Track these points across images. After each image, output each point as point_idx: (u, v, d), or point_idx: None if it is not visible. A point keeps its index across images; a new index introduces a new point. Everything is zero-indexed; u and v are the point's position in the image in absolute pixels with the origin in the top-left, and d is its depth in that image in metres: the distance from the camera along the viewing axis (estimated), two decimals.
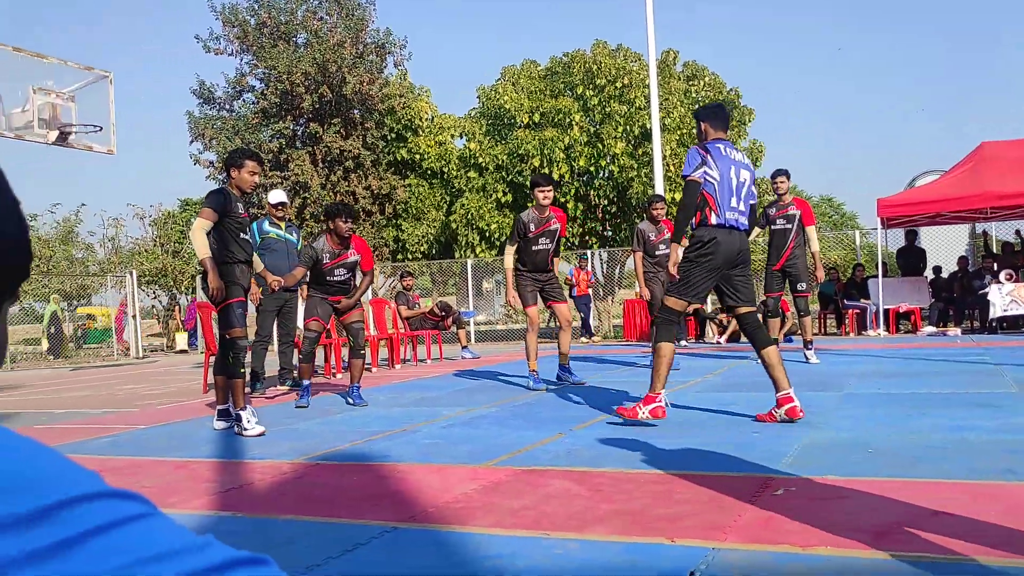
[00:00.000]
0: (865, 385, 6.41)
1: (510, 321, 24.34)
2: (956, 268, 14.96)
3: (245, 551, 0.49)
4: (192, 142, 19.17)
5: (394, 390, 7.72)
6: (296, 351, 9.01)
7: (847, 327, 14.14)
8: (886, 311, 13.54)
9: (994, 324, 12.76)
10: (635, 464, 3.82)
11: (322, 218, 18.11)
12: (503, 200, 18.39)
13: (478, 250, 18.37)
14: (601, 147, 17.89)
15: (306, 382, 6.78)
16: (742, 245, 4.96)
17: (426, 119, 20.09)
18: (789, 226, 8.44)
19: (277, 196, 8.33)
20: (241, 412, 5.31)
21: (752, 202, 5.09)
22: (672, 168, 17.61)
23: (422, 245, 19.50)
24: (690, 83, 19.66)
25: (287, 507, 3.36)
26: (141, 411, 7.21)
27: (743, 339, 13.42)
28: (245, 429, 5.26)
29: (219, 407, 5.73)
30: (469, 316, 13.93)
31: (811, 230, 8.49)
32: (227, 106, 19.82)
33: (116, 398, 8.74)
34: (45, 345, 20.20)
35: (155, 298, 23.38)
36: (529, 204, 7.31)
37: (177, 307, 21.80)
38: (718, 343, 13.11)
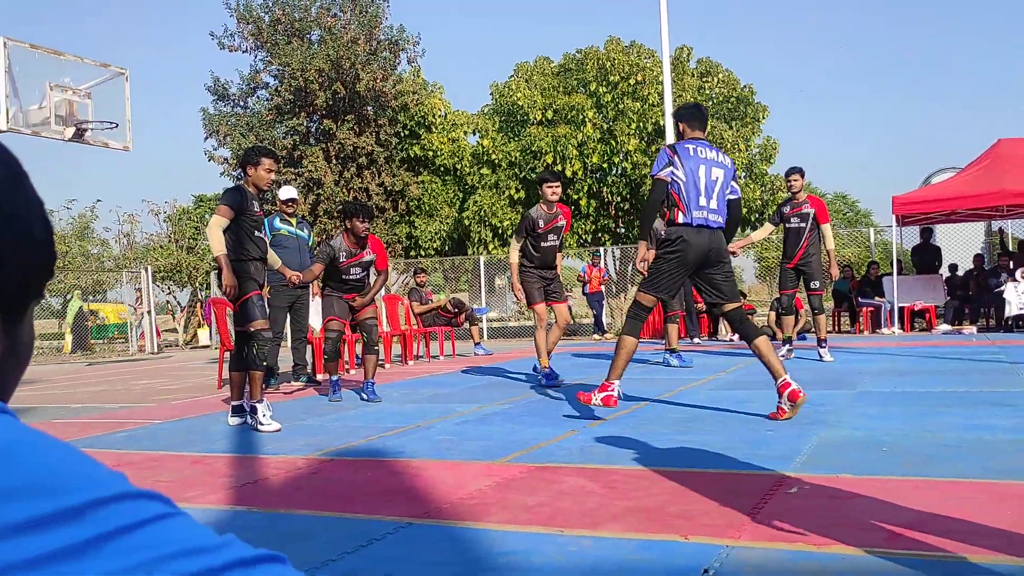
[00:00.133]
0: (879, 383, 6.39)
1: (523, 318, 24.35)
2: (972, 266, 14.86)
3: (263, 549, 0.50)
4: (206, 138, 19.27)
5: (407, 386, 7.75)
6: (309, 347, 9.07)
7: (861, 325, 14.07)
8: (901, 309, 13.47)
9: (1010, 322, 12.67)
10: (649, 461, 3.83)
11: (335, 213, 18.20)
12: (516, 197, 18.39)
13: (491, 247, 18.38)
14: (614, 144, 17.86)
15: (335, 378, 6.93)
16: (713, 243, 5.00)
17: (439, 116, 20.10)
18: (803, 224, 8.42)
19: (287, 192, 8.37)
20: (257, 404, 5.35)
21: (732, 197, 5.12)
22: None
23: (435, 242, 19.53)
24: (704, 80, 19.60)
25: (302, 502, 3.38)
26: (157, 406, 7.27)
27: None
28: (261, 423, 5.29)
29: (233, 403, 5.77)
30: (482, 313, 13.96)
31: (826, 228, 8.46)
32: (241, 103, 19.90)
33: (132, 393, 8.82)
34: (69, 339, 20.33)
35: (170, 293, 23.52)
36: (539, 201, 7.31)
37: (199, 303, 21.93)
38: (731, 340, 13.08)
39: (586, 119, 17.99)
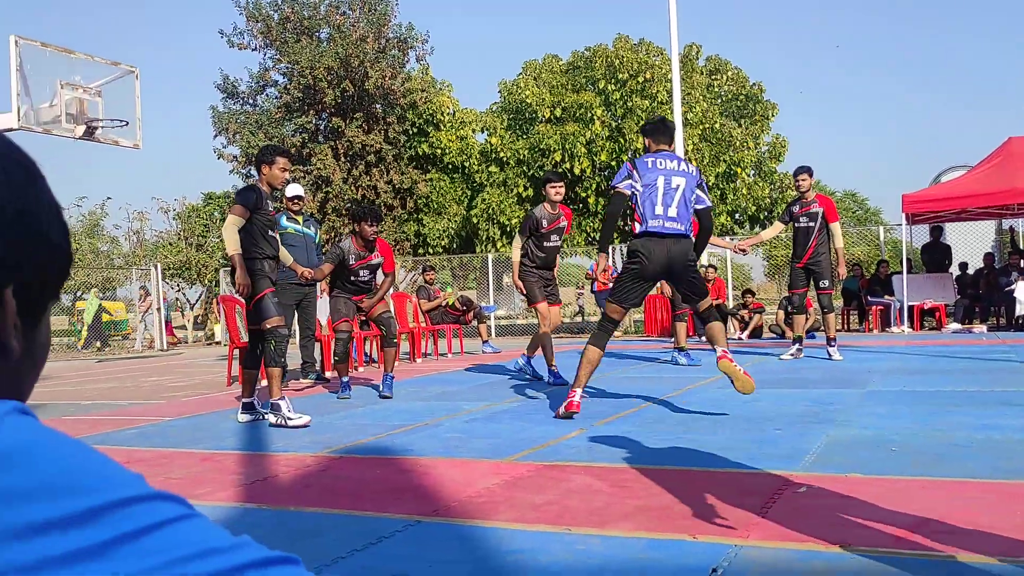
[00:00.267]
0: (889, 382, 6.37)
1: (531, 316, 24.34)
2: (982, 265, 14.79)
3: (278, 551, 0.51)
4: (216, 136, 19.34)
5: (415, 384, 7.77)
6: (317, 344, 9.10)
7: (870, 324, 14.03)
8: (910, 308, 13.42)
9: (1020, 321, 12.61)
10: (657, 460, 3.83)
11: (344, 211, 18.23)
12: (524, 195, 18.40)
13: (499, 245, 18.40)
14: (623, 142, 17.84)
15: (345, 379, 6.99)
16: (673, 249, 5.07)
17: (448, 114, 20.12)
18: (812, 223, 8.41)
19: (293, 190, 8.39)
20: (280, 402, 5.36)
21: (700, 207, 5.23)
22: (694, 163, 17.51)
23: (443, 239, 19.55)
24: (713, 77, 19.56)
25: (311, 500, 3.40)
26: (167, 403, 7.31)
27: (765, 335, 13.37)
28: (290, 419, 5.30)
29: (244, 400, 5.79)
30: (490, 311, 13.98)
31: (835, 226, 8.44)
32: (250, 101, 19.96)
33: (142, 390, 8.86)
34: (84, 335, 20.39)
35: (179, 291, 23.62)
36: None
37: (215, 300, 22.01)
38: (740, 339, 13.06)
39: (595, 117, 17.98)
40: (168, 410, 6.74)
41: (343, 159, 18.96)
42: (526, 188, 18.41)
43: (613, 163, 18.04)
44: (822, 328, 9.22)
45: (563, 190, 7.25)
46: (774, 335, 13.09)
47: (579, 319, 25.51)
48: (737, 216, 19.31)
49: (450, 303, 12.43)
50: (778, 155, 19.41)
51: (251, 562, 0.49)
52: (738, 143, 18.18)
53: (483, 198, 18.72)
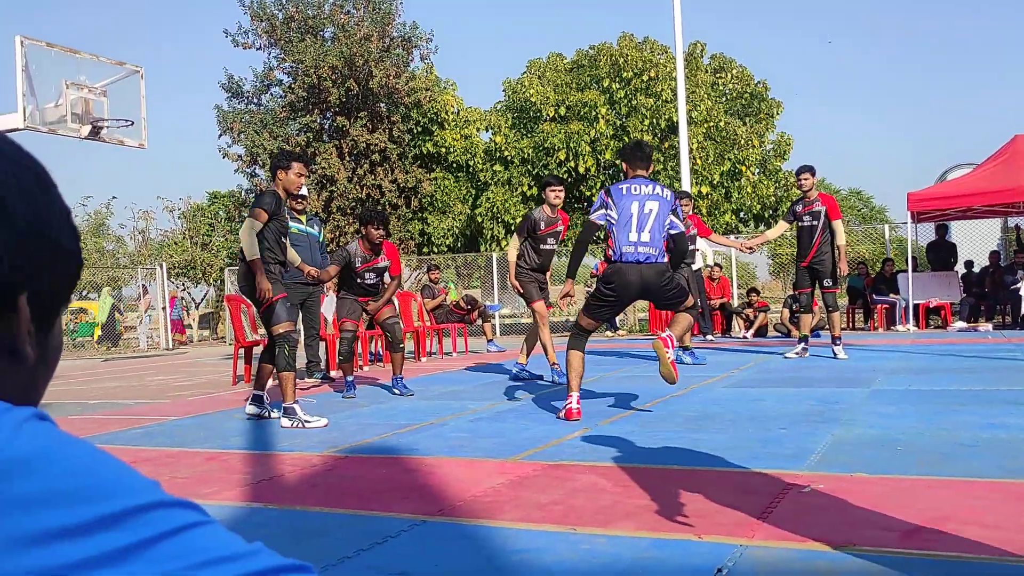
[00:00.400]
0: (894, 381, 6.36)
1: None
2: (988, 263, 14.75)
3: (292, 559, 0.51)
4: (221, 135, 19.38)
5: (420, 383, 7.77)
6: (322, 343, 9.11)
7: (876, 322, 14.00)
8: (916, 306, 13.39)
9: None
10: (662, 459, 3.83)
11: (348, 210, 18.25)
12: (528, 193, 18.41)
13: (503, 244, 18.40)
14: (627, 140, 17.83)
15: (349, 378, 7.01)
16: (645, 276, 5.11)
17: (452, 112, 20.13)
18: (815, 222, 8.42)
19: None
20: (295, 406, 5.38)
21: (673, 232, 5.29)
22: (699, 161, 17.52)
23: (447, 238, 19.57)
24: (717, 76, 19.54)
25: (317, 499, 3.41)
26: (172, 403, 7.33)
27: (770, 334, 13.35)
28: (307, 422, 5.32)
29: (255, 392, 5.87)
30: (494, 309, 14.00)
31: (837, 224, 8.44)
32: (255, 100, 19.99)
33: (147, 389, 8.88)
34: (97, 335, 20.41)
35: (184, 290, 23.67)
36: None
37: (225, 298, 22.03)
38: (745, 337, 13.05)
39: (599, 115, 17.97)
40: (174, 409, 6.76)
41: (347, 158, 18.98)
42: (530, 187, 18.42)
43: (617, 162, 18.03)
44: (827, 327, 9.21)
45: (563, 194, 7.30)
46: (779, 334, 13.08)
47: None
48: (742, 215, 19.29)
49: (452, 298, 12.45)
50: (783, 153, 19.38)
51: (265, 569, 0.49)
52: (743, 141, 18.16)
53: (487, 197, 18.73)
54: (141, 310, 20.53)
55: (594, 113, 18.03)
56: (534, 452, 4.15)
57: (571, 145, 17.81)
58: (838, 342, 8.52)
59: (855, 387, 6.09)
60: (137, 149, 10.51)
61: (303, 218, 8.41)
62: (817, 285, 8.66)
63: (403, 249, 18.93)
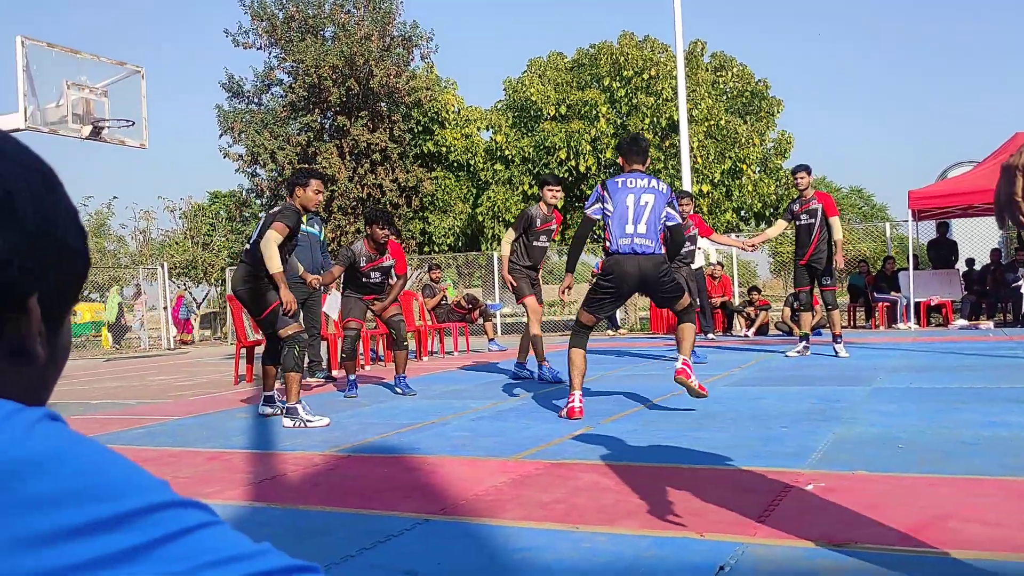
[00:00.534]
0: (895, 379, 6.36)
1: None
2: (989, 261, 14.74)
3: (299, 560, 0.52)
4: (221, 135, 19.37)
5: (422, 383, 7.78)
6: (324, 343, 9.12)
7: (877, 320, 14.00)
8: (917, 304, 13.39)
9: None
10: (663, 458, 3.83)
11: (349, 209, 18.25)
12: (529, 192, 18.41)
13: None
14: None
15: (351, 377, 7.03)
16: (643, 267, 5.14)
17: (452, 112, 20.12)
18: (813, 220, 8.49)
19: None
20: (297, 406, 5.41)
21: (670, 224, 5.31)
22: (699, 160, 17.51)
23: (448, 238, 19.57)
24: (718, 74, 19.53)
25: (320, 498, 3.41)
26: (174, 402, 7.33)
27: (771, 332, 13.35)
28: (309, 421, 5.35)
29: (265, 393, 5.97)
30: (495, 309, 14.00)
31: (834, 220, 8.50)
32: (256, 100, 19.99)
33: (149, 389, 8.89)
34: (107, 336, 20.38)
35: (185, 289, 23.69)
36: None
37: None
38: (746, 336, 13.05)
39: (600, 114, 17.96)
40: (175, 409, 6.76)
41: (348, 158, 18.98)
42: (531, 186, 18.42)
43: (618, 160, 18.05)
44: (828, 325, 9.22)
45: (560, 195, 7.37)
46: (780, 332, 13.08)
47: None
48: (743, 213, 19.29)
49: (450, 295, 12.45)
50: (784, 152, 19.37)
51: (273, 569, 0.50)
52: (743, 140, 18.15)
53: (488, 196, 18.74)
54: (137, 310, 20.48)
55: (595, 112, 18.03)
56: (536, 451, 4.16)
57: (572, 144, 17.81)
58: (839, 340, 8.53)
59: (856, 385, 6.09)
60: (138, 149, 10.51)
61: (303, 217, 8.43)
62: (816, 283, 8.69)
63: (404, 248, 18.93)
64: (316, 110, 19.06)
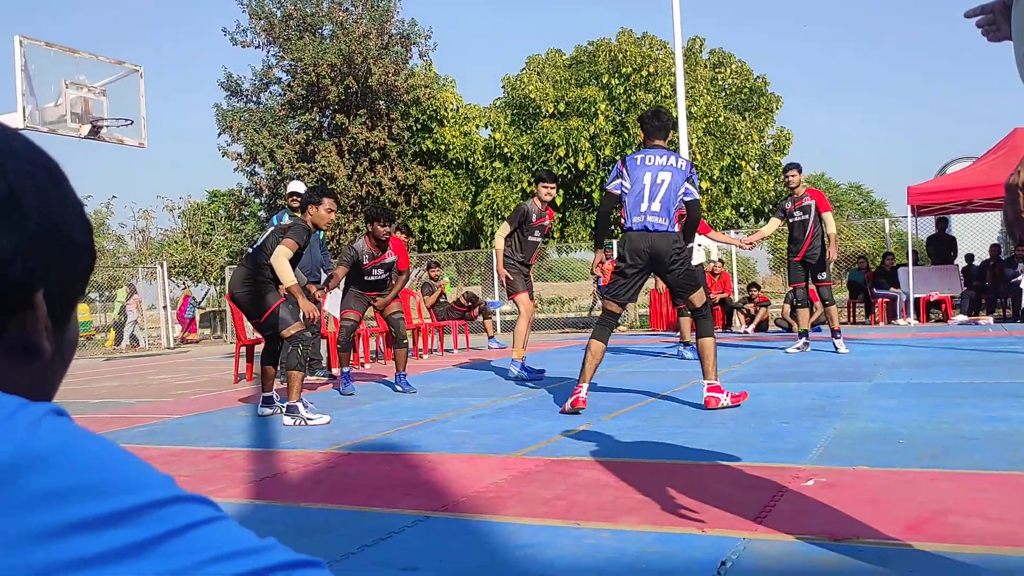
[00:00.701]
0: (895, 375, 6.37)
1: (536, 311, 24.25)
2: (988, 256, 14.75)
3: (304, 554, 0.52)
4: (220, 134, 19.37)
5: (421, 380, 7.78)
6: (324, 341, 9.12)
7: (876, 316, 14.01)
8: (916, 300, 13.40)
9: None
10: (664, 454, 3.84)
11: (348, 208, 18.24)
12: (528, 190, 18.40)
13: None
14: (627, 136, 17.82)
15: (346, 369, 7.02)
16: (656, 244, 5.14)
17: (451, 109, 20.12)
18: (806, 217, 8.55)
19: (294, 186, 8.43)
20: (297, 404, 5.43)
21: (688, 199, 5.28)
22: (698, 156, 17.49)
23: (448, 235, 19.57)
24: (716, 71, 19.52)
25: (320, 496, 3.41)
26: (175, 401, 7.34)
27: (771, 328, 13.36)
28: (310, 420, 5.36)
29: (264, 394, 5.97)
30: (495, 306, 13.98)
31: (827, 215, 8.59)
32: (254, 98, 19.99)
33: (149, 388, 8.89)
34: (112, 335, 20.37)
35: (185, 288, 23.69)
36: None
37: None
38: (746, 332, 13.05)
39: (598, 111, 17.96)
40: (176, 408, 6.77)
41: (347, 156, 18.97)
42: (530, 183, 18.41)
43: (617, 158, 18.01)
44: (826, 322, 9.23)
45: (555, 192, 7.39)
46: (780, 329, 13.08)
47: (585, 314, 25.51)
48: (742, 210, 19.29)
49: (447, 291, 12.45)
50: (782, 148, 19.37)
51: (278, 564, 0.50)
52: (742, 136, 18.15)
53: (487, 194, 18.73)
54: (129, 310, 20.43)
55: (593, 109, 18.02)
56: (536, 448, 4.16)
57: (570, 141, 17.80)
58: (838, 335, 8.56)
59: (856, 381, 6.09)
60: (137, 148, 10.50)
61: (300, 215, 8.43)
62: (811, 279, 8.74)
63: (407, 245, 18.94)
64: (315, 108, 19.05)
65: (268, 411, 5.92)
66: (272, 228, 5.87)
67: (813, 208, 8.54)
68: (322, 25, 19.20)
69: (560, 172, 17.92)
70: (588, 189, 18.26)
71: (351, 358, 7.18)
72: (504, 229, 7.34)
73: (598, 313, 20.28)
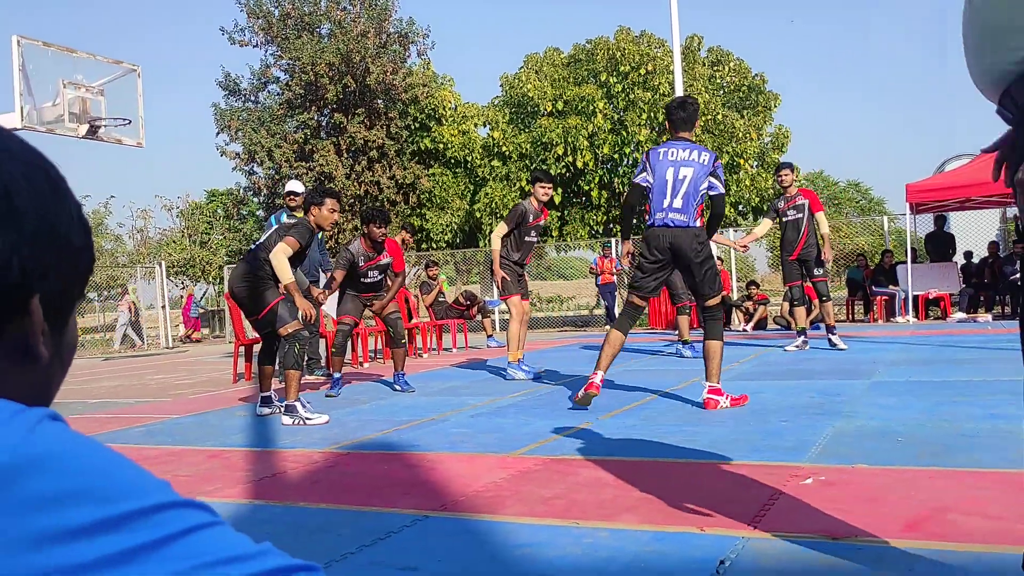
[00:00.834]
0: (894, 373, 6.37)
1: (534, 310, 24.34)
2: (987, 253, 14.75)
3: (299, 559, 0.52)
4: (218, 134, 19.35)
5: (420, 379, 7.78)
6: (322, 340, 9.12)
7: (875, 314, 14.01)
8: (915, 297, 13.40)
9: None
10: (663, 453, 3.84)
11: (346, 207, 18.23)
12: (527, 189, 18.39)
13: None
14: (625, 134, 17.82)
15: (337, 374, 6.96)
16: (675, 241, 5.15)
17: (449, 108, 20.10)
18: (800, 216, 8.63)
19: (292, 185, 8.43)
20: (296, 403, 5.42)
21: (712, 193, 5.26)
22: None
23: (446, 234, 19.56)
24: (715, 69, 19.51)
25: (319, 495, 3.41)
26: (173, 401, 7.33)
27: (770, 327, 13.36)
28: (308, 419, 5.36)
29: (263, 394, 5.96)
30: (494, 305, 13.99)
31: (820, 215, 8.68)
32: (252, 98, 19.97)
33: (148, 388, 8.89)
34: (120, 334, 20.32)
35: (184, 288, 23.69)
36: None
37: None
38: (744, 330, 13.05)
39: (597, 110, 17.95)
40: (175, 408, 6.76)
41: (345, 155, 18.96)
42: (529, 182, 18.42)
43: (615, 156, 18.02)
44: (822, 317, 9.24)
45: (551, 192, 7.38)
46: (779, 327, 13.09)
47: (585, 313, 25.53)
48: (740, 208, 19.29)
49: (444, 288, 12.46)
50: (781, 146, 19.37)
51: (274, 569, 0.50)
52: (741, 134, 18.15)
53: (486, 192, 18.72)
54: (120, 310, 20.38)
55: (592, 107, 18.01)
56: (535, 447, 4.16)
57: (569, 140, 17.79)
58: (834, 331, 8.63)
59: (855, 379, 6.09)
60: (135, 148, 10.49)
61: (299, 214, 8.42)
62: (807, 276, 8.78)
63: (404, 246, 18.92)
64: (313, 107, 19.03)
65: (267, 411, 5.92)
66: (276, 226, 5.86)
67: (806, 207, 8.60)
68: (320, 24, 19.18)
69: (558, 170, 17.92)
70: (586, 187, 18.25)
71: (342, 362, 7.13)
72: (501, 229, 7.32)
73: (599, 312, 20.18)
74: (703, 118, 17.83)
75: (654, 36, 19.26)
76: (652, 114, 17.72)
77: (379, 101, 19.21)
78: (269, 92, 19.92)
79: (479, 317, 12.68)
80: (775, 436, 4.07)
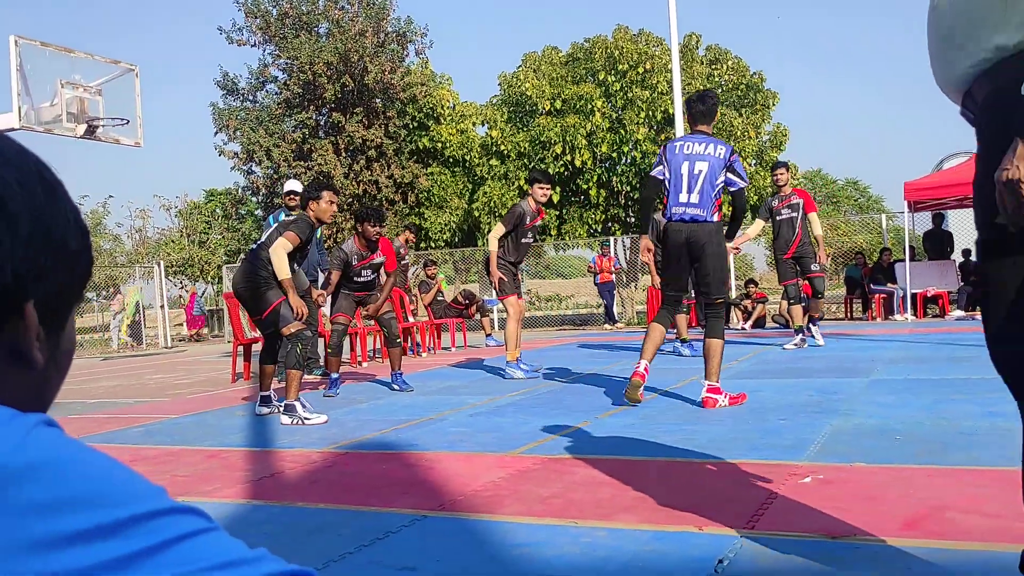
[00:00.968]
0: (892, 371, 6.37)
1: (533, 308, 24.37)
2: None
3: (295, 565, 0.52)
4: (216, 133, 19.34)
5: (419, 379, 7.78)
6: (320, 340, 9.11)
7: (874, 312, 14.02)
8: (913, 295, 13.41)
9: None
10: (661, 452, 3.84)
11: (344, 206, 18.22)
12: (525, 188, 18.38)
13: None
14: (623, 133, 17.81)
15: (334, 375, 6.94)
16: (690, 236, 5.18)
17: (448, 107, 20.09)
18: (795, 214, 8.70)
19: (290, 185, 8.43)
20: (295, 403, 5.43)
21: (733, 189, 5.26)
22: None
23: (444, 233, 19.55)
24: (713, 67, 19.50)
25: (318, 495, 3.41)
26: (172, 401, 7.33)
27: (768, 325, 13.36)
28: (307, 419, 5.37)
29: (262, 393, 5.98)
30: (492, 304, 13.99)
31: (813, 216, 8.75)
32: (250, 97, 19.96)
33: (147, 388, 8.88)
34: (125, 332, 20.27)
35: (182, 287, 23.68)
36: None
37: None
38: (743, 329, 13.06)
39: (595, 108, 17.94)
40: (173, 407, 6.76)
41: (344, 154, 18.96)
42: (527, 182, 18.41)
43: (614, 155, 18.01)
44: (821, 316, 9.27)
45: (549, 192, 7.40)
46: (777, 325, 13.09)
47: (583, 311, 25.54)
48: None
49: (443, 288, 12.46)
50: (779, 144, 19.37)
51: (269, 575, 0.50)
52: (739, 133, 18.14)
53: (484, 191, 18.71)
54: (113, 309, 20.36)
55: (590, 106, 18.00)
56: (533, 446, 4.16)
57: (567, 139, 17.78)
58: (815, 323, 8.86)
59: (854, 377, 6.10)
60: (133, 148, 10.48)
61: (297, 213, 8.41)
62: (802, 274, 8.81)
63: (408, 245, 18.90)
64: (311, 107, 19.02)
65: (266, 410, 5.92)
66: (276, 224, 5.86)
67: (801, 206, 8.66)
68: (318, 23, 19.17)
69: (557, 169, 17.91)
70: (585, 186, 18.24)
71: (339, 362, 7.10)
72: (499, 230, 7.32)
73: (599, 311, 20.17)
74: None
75: (652, 35, 19.26)
76: (650, 113, 17.71)
77: (377, 100, 19.21)
78: (267, 91, 19.91)
79: (478, 316, 12.68)
80: (773, 435, 4.07)
